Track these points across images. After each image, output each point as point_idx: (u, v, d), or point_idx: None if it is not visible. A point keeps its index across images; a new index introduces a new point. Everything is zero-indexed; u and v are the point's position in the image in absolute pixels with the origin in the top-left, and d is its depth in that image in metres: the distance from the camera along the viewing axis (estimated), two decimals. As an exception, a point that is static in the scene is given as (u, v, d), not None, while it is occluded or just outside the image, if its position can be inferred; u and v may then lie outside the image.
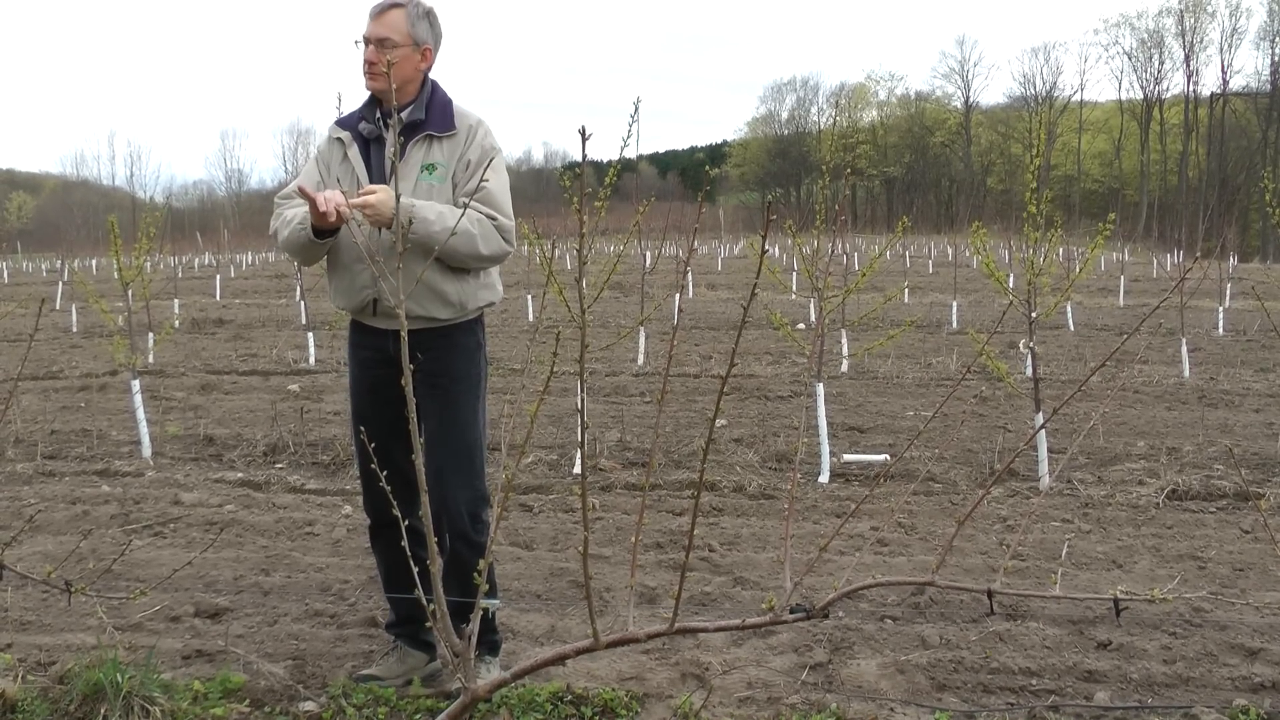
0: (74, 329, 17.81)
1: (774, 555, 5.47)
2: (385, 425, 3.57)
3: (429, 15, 3.68)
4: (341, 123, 3.83)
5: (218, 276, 28.19)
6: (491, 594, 3.95)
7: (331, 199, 3.41)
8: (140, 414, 7.81)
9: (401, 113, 3.61)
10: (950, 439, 8.11)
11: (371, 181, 3.69)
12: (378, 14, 3.64)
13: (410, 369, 2.50)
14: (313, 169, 3.84)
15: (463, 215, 3.42)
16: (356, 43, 3.67)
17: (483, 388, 3.87)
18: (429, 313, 3.66)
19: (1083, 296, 22.38)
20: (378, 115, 3.74)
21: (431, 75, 3.79)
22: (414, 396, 2.50)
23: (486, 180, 3.55)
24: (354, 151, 3.73)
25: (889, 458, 7.67)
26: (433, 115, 3.70)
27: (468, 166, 3.66)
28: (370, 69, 3.64)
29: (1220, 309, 17.36)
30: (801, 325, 15.84)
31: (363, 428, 3.19)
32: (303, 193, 3.46)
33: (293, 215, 3.66)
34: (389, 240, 3.58)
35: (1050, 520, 6.18)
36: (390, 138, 3.67)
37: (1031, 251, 7.22)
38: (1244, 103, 70.50)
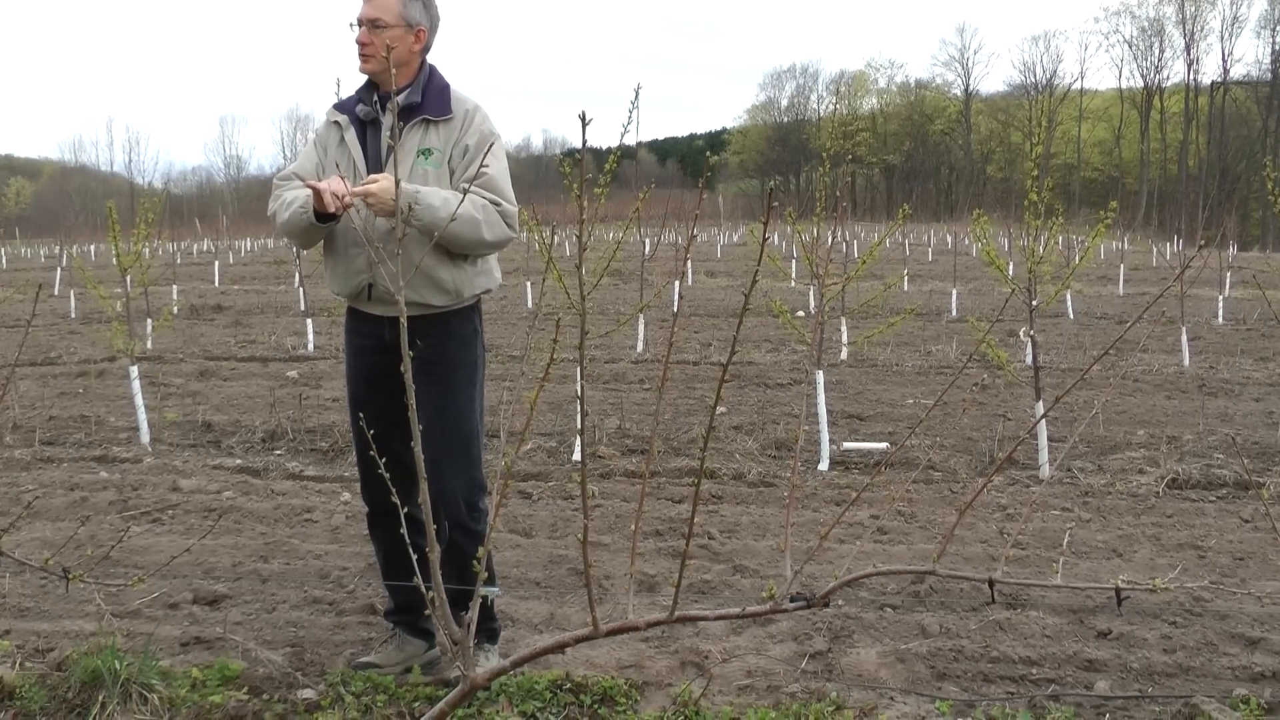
0: (72, 315, 17.78)
1: (773, 543, 5.46)
2: (382, 413, 3.54)
3: None
4: (339, 106, 3.80)
5: (216, 263, 28.14)
6: (490, 582, 3.94)
7: (335, 191, 3.39)
8: (139, 400, 7.79)
9: (398, 96, 3.58)
10: (950, 427, 8.10)
11: (367, 164, 3.67)
12: None
13: (409, 356, 2.48)
14: (311, 152, 3.82)
15: (463, 200, 3.40)
16: (351, 25, 3.64)
17: (480, 375, 3.85)
18: (424, 299, 3.63)
19: (1082, 285, 22.35)
20: (375, 98, 3.71)
21: (431, 61, 3.77)
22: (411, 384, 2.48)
23: (487, 166, 3.53)
24: (351, 135, 3.71)
25: (889, 446, 7.66)
26: (429, 99, 3.67)
27: (465, 152, 3.63)
28: (363, 50, 3.62)
29: (1220, 298, 17.35)
30: (801, 313, 15.82)
31: (360, 415, 3.16)
32: (306, 184, 3.45)
33: (292, 198, 3.63)
34: (386, 226, 3.56)
35: (1050, 509, 6.17)
36: (387, 121, 3.65)
37: (1032, 240, 7.19)
38: (1244, 91, 70.36)
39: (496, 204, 3.59)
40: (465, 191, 3.42)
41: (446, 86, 3.73)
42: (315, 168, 3.78)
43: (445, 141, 3.65)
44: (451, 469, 3.69)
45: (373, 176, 3.49)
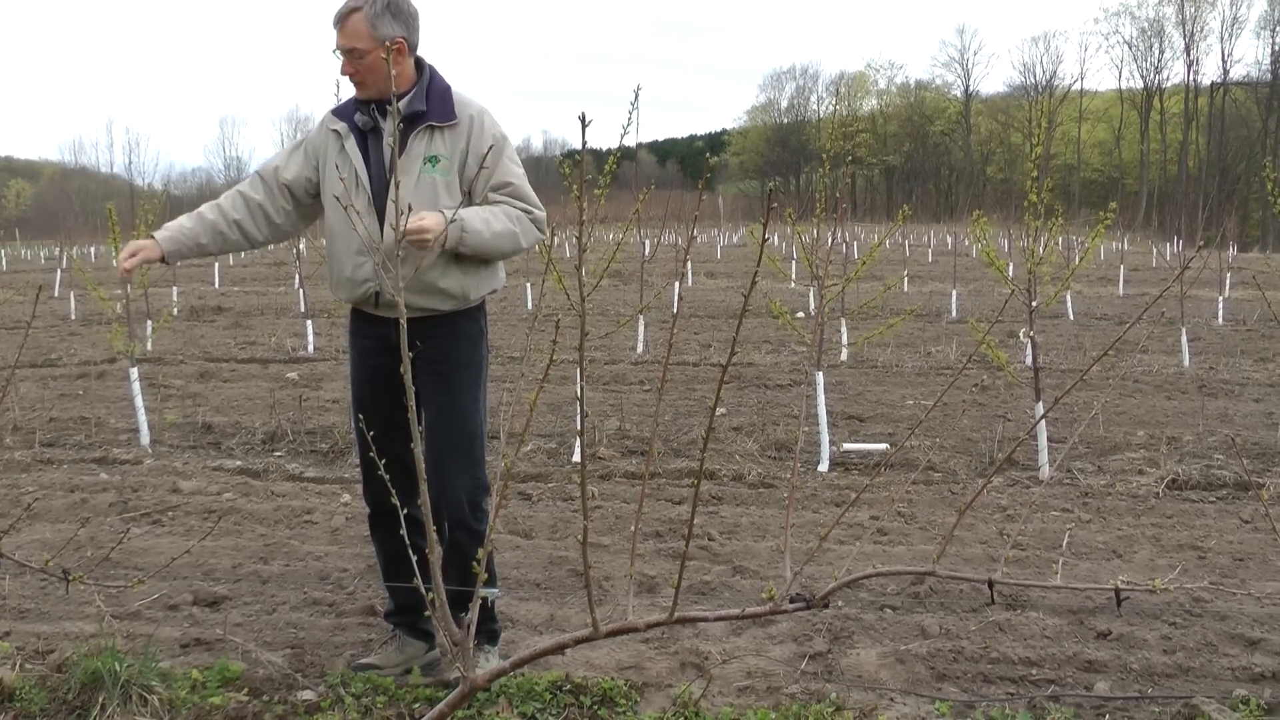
0: (72, 316, 17.76)
1: (773, 544, 5.46)
2: (385, 414, 3.54)
3: (389, 7, 3.55)
4: (338, 112, 3.77)
5: (216, 264, 28.06)
6: (490, 583, 3.94)
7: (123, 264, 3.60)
8: (139, 402, 7.79)
9: (399, 102, 3.56)
10: (950, 428, 8.09)
11: (370, 172, 3.66)
12: (339, 24, 3.57)
13: (409, 357, 2.48)
14: (298, 157, 3.81)
15: (459, 211, 3.42)
16: (335, 53, 3.61)
17: (484, 375, 3.85)
18: (432, 305, 3.64)
19: (1082, 286, 22.33)
20: (372, 106, 3.67)
21: (430, 62, 3.75)
22: (415, 384, 2.49)
23: (511, 177, 3.63)
24: (351, 144, 3.68)
25: (889, 447, 7.66)
26: (433, 105, 3.65)
27: (481, 160, 3.62)
28: (351, 79, 3.63)
29: (1220, 298, 17.34)
30: (801, 314, 15.82)
31: (362, 416, 3.16)
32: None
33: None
34: (391, 234, 3.55)
35: (1050, 510, 6.17)
36: (388, 128, 3.63)
37: (1031, 240, 7.20)
38: (1244, 92, 70.36)
39: (528, 212, 3.66)
40: (494, 202, 3.47)
41: (448, 89, 3.71)
42: (312, 170, 3.78)
43: (452, 148, 3.63)
44: (455, 469, 3.70)
45: (420, 216, 3.48)
